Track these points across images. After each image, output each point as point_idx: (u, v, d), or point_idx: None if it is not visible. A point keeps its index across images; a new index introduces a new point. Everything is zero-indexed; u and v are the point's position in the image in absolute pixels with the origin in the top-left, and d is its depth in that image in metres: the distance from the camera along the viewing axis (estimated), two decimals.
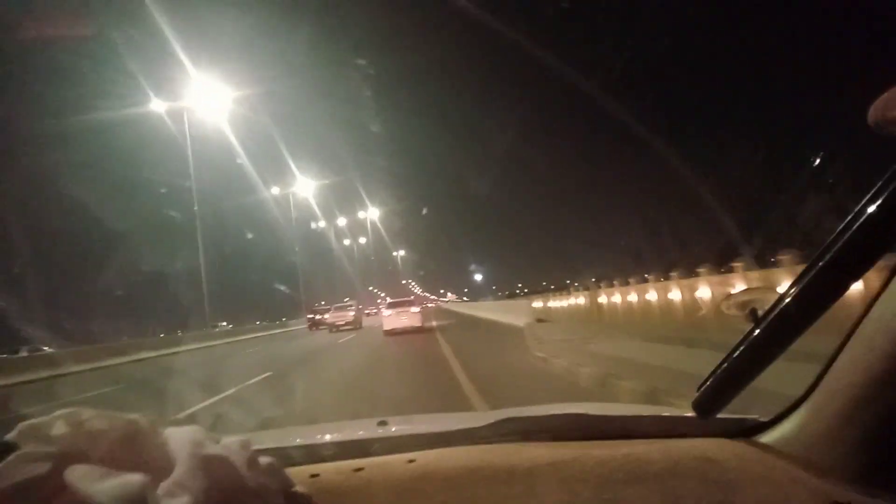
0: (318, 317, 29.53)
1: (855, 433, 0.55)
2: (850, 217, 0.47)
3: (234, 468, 0.48)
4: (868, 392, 0.53)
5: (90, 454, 0.44)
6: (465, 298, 76.98)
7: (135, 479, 0.40)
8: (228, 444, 0.51)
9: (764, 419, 0.69)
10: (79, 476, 0.39)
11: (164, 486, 0.44)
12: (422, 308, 17.89)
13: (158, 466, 0.46)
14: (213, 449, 0.48)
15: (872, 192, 0.46)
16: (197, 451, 0.46)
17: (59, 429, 0.44)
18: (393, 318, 15.46)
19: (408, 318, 15.35)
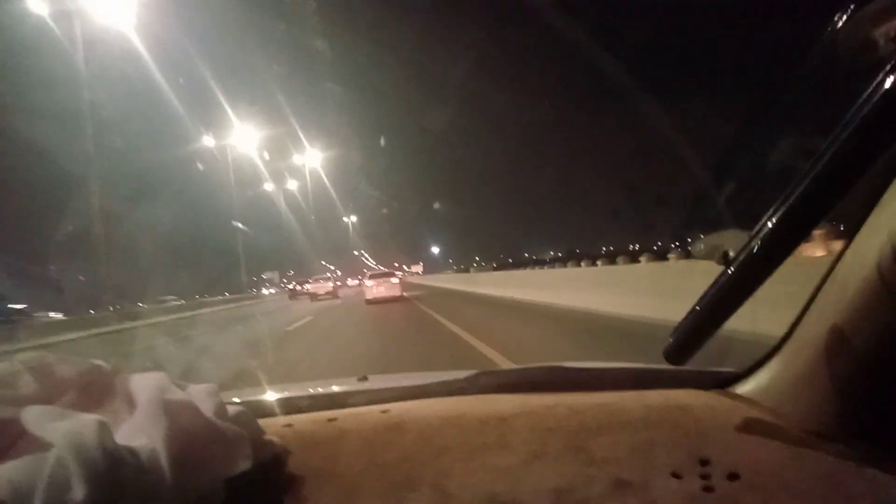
0: (298, 287, 33.10)
1: (827, 382, 0.55)
2: (817, 154, 0.46)
3: (198, 414, 0.48)
4: (839, 340, 0.53)
5: (53, 399, 0.45)
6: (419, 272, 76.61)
7: (91, 419, 0.40)
8: (194, 391, 0.51)
9: (738, 371, 0.69)
10: (34, 417, 0.40)
11: (123, 428, 0.44)
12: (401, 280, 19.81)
13: (121, 411, 0.47)
14: (176, 394, 0.48)
15: (839, 127, 0.45)
16: (159, 395, 0.47)
17: (20, 374, 0.45)
18: (374, 289, 17.15)
19: (387, 288, 17.12)
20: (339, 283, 34.68)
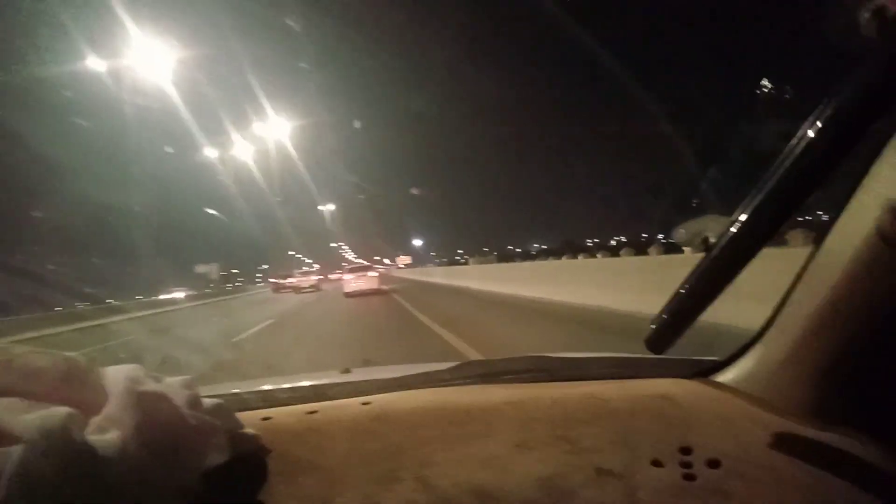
0: (281, 281, 33.87)
1: (807, 368, 0.55)
2: (796, 137, 0.46)
3: (173, 406, 0.47)
4: (819, 328, 0.53)
5: (22, 391, 0.43)
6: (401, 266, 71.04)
7: (60, 411, 0.39)
8: (170, 383, 0.50)
9: (720, 360, 0.70)
10: (1, 409, 0.39)
11: (94, 420, 0.43)
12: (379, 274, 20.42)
13: (94, 403, 0.46)
14: (150, 386, 0.47)
15: (815, 112, 0.45)
16: (133, 387, 0.46)
17: None
18: (353, 282, 17.92)
19: (365, 281, 17.89)
20: (321, 277, 35.47)
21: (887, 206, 0.43)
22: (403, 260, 79.63)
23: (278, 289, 32.91)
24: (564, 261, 13.38)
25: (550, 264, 14.28)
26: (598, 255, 12.06)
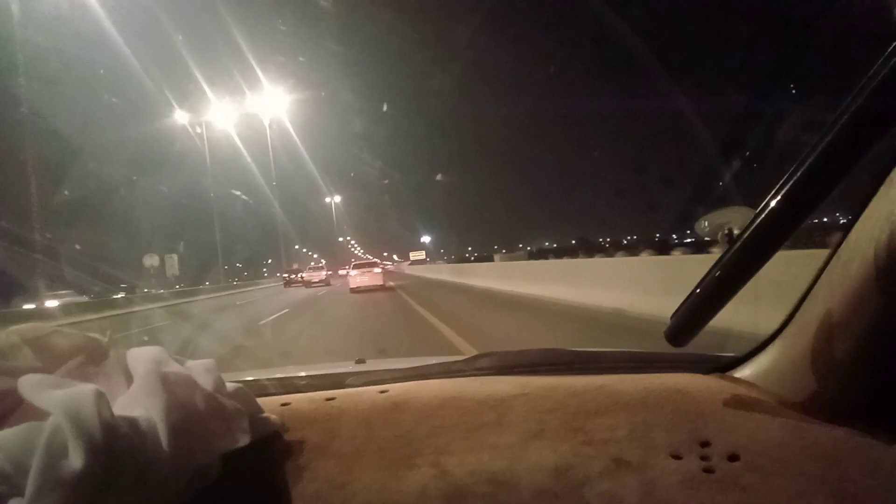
0: (292, 276, 35.93)
1: (827, 364, 0.55)
2: (825, 128, 0.46)
3: (196, 388, 0.48)
4: (839, 323, 0.52)
5: (49, 370, 0.44)
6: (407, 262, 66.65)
7: (88, 388, 0.40)
8: (192, 366, 0.51)
9: (738, 355, 0.69)
10: (31, 385, 0.40)
11: (120, 400, 0.44)
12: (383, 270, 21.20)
13: (118, 383, 0.47)
14: (174, 368, 0.48)
15: (849, 100, 0.44)
16: (156, 368, 0.46)
17: (17, 345, 0.44)
18: (358, 278, 18.34)
19: (370, 277, 18.33)
20: (330, 273, 37.13)
21: None
22: (417, 255, 70.08)
23: (290, 283, 34.63)
24: (601, 259, 11.51)
25: (587, 262, 12.20)
26: (618, 255, 11.25)
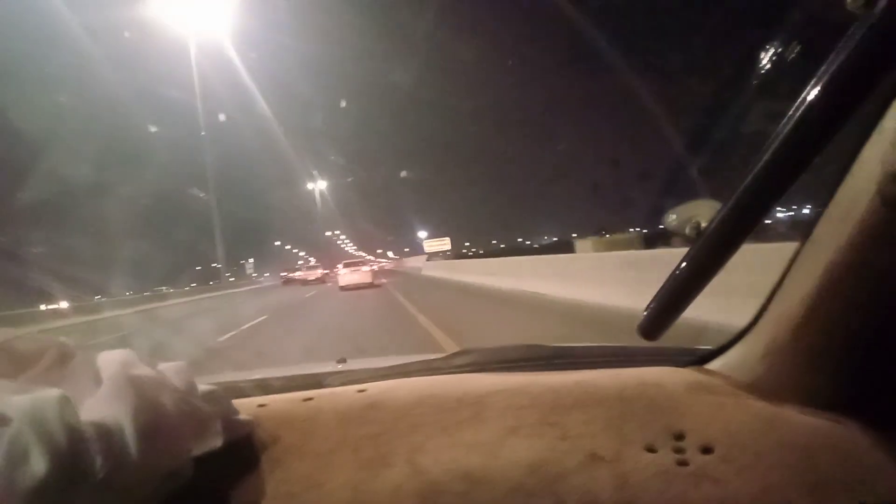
0: (290, 275, 38.47)
1: (801, 355, 0.56)
2: (786, 117, 0.46)
3: (166, 390, 0.48)
4: (812, 314, 0.53)
5: (13, 375, 0.43)
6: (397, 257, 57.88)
7: (51, 393, 0.39)
8: (163, 368, 0.50)
9: (713, 348, 0.70)
10: None
11: (87, 404, 0.43)
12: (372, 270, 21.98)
13: (86, 387, 0.46)
14: (143, 371, 0.47)
15: (807, 89, 0.45)
16: (125, 371, 0.46)
17: None
18: (348, 276, 18.96)
19: (359, 275, 18.90)
20: (326, 272, 38.35)
21: (888, 171, 0.43)
22: (435, 244, 53.52)
23: (288, 282, 36.65)
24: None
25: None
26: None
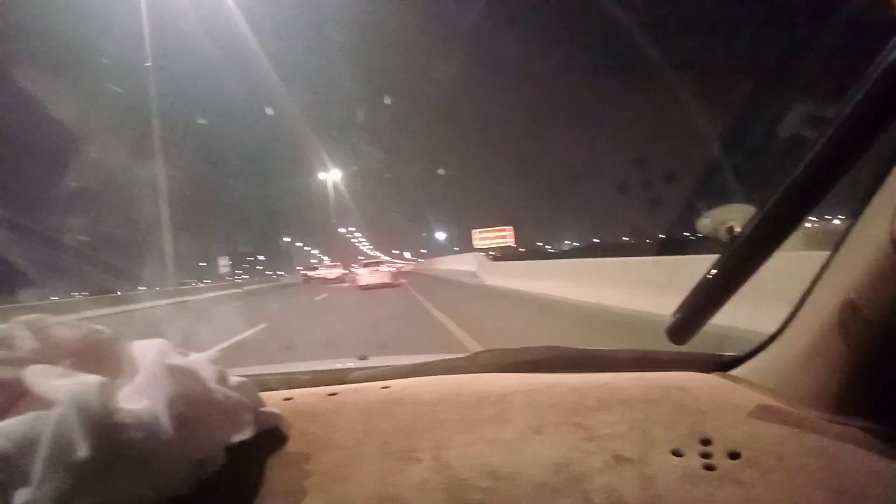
0: (310, 273, 38.97)
1: (827, 362, 0.55)
2: (828, 124, 0.45)
3: (200, 380, 0.49)
4: (839, 322, 0.53)
5: (53, 360, 0.45)
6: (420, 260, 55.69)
7: (93, 379, 0.40)
8: (196, 358, 0.51)
9: (739, 354, 0.69)
10: (37, 375, 0.40)
11: (125, 390, 0.44)
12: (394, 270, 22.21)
13: (122, 374, 0.47)
14: (177, 360, 0.48)
15: (851, 93, 0.44)
16: (160, 360, 0.47)
17: (21, 335, 0.45)
18: (367, 276, 19.12)
19: (378, 275, 19.04)
20: (346, 272, 38.24)
21: None
22: (490, 235, 45.50)
23: (307, 280, 36.76)
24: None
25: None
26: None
